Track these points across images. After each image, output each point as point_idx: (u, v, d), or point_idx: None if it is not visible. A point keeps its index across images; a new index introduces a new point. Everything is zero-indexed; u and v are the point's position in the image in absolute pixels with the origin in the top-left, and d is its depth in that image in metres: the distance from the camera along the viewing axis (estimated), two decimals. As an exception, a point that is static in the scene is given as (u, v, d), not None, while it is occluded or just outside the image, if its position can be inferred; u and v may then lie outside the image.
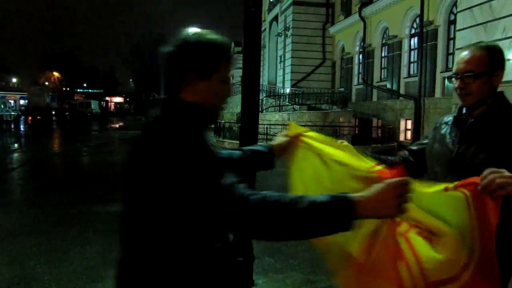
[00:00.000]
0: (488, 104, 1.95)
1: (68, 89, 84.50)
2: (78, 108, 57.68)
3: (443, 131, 2.11)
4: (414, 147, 2.33)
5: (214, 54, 1.54)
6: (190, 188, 1.35)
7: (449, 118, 2.14)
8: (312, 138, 1.96)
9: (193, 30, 1.57)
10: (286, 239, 1.42)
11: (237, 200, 1.34)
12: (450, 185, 1.54)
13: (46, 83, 75.67)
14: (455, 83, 1.99)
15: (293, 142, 2.00)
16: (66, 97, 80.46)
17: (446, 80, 18.43)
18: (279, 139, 2.07)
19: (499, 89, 2.01)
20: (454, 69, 2.00)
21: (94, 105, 60.21)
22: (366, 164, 1.73)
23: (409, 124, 20.09)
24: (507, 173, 1.48)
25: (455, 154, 1.97)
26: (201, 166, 1.38)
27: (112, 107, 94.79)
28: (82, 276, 4.66)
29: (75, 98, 79.14)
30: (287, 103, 25.58)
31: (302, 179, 1.91)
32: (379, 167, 1.66)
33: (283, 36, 32.12)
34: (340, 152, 1.82)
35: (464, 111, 2.06)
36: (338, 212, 1.30)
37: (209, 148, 1.49)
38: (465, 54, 1.97)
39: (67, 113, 55.19)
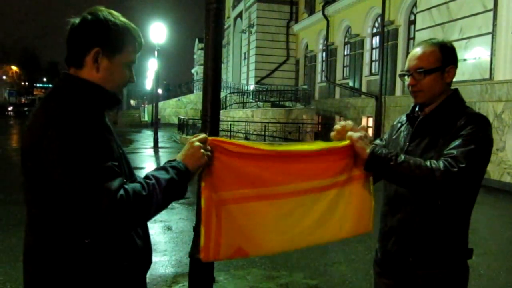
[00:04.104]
0: (441, 101, 1.93)
1: (27, 83, 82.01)
2: (37, 103, 56.11)
3: (398, 130, 2.11)
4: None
5: (124, 35, 1.55)
6: (70, 185, 1.35)
7: (404, 117, 2.13)
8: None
9: (104, 8, 1.56)
10: (151, 218, 1.52)
11: (107, 195, 1.34)
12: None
13: (4, 78, 73.18)
14: (407, 80, 1.97)
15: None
16: (25, 92, 78.07)
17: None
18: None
19: (456, 87, 1.99)
20: (406, 66, 1.99)
21: (54, 100, 58.66)
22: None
23: (371, 121, 20.45)
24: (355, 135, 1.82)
25: (405, 152, 1.95)
26: (80, 156, 1.35)
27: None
28: (39, 275, 4.55)
29: (35, 93, 76.91)
30: (251, 100, 25.67)
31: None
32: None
33: (247, 33, 32.14)
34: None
35: (417, 108, 2.04)
36: (185, 179, 1.55)
37: (97, 136, 1.43)
38: (416, 50, 1.95)
39: (26, 109, 53.57)
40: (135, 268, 1.58)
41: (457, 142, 1.76)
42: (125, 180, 1.43)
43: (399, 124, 2.15)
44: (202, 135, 1.66)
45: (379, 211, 2.10)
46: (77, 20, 1.52)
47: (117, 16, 1.55)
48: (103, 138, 1.45)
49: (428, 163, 1.71)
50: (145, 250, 1.63)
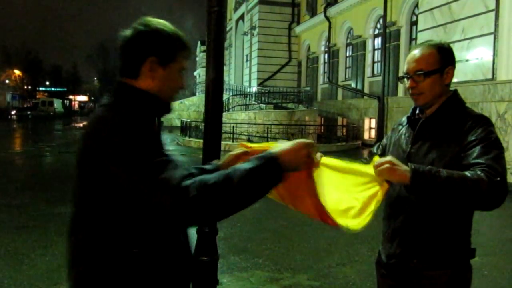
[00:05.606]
0: (441, 103, 1.94)
1: (30, 87, 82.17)
2: (40, 107, 56.34)
3: (399, 133, 2.11)
4: (377, 152, 2.28)
5: (176, 43, 1.58)
6: (130, 181, 1.34)
7: (404, 119, 2.13)
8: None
9: (155, 19, 1.59)
10: (234, 213, 1.41)
11: (180, 192, 1.31)
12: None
13: (7, 81, 73.34)
14: (406, 83, 1.97)
15: (242, 158, 1.85)
16: (28, 95, 78.27)
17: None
18: (227, 157, 1.91)
19: (455, 88, 2.00)
20: (404, 69, 1.98)
21: (57, 104, 58.93)
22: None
23: (373, 122, 20.45)
24: (387, 160, 1.65)
25: (407, 154, 1.96)
26: (147, 159, 1.36)
27: (76, 106, 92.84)
28: (43, 278, 4.56)
29: (38, 97, 77.07)
30: (254, 102, 25.65)
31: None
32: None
33: (249, 35, 32.19)
34: None
35: (417, 110, 2.04)
36: (270, 171, 1.42)
37: (154, 139, 1.47)
38: (415, 53, 1.95)
39: (29, 112, 53.77)
40: (179, 279, 1.59)
41: (477, 151, 1.74)
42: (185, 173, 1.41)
43: (400, 127, 2.15)
44: (311, 141, 1.58)
45: (381, 213, 2.11)
46: (128, 32, 1.55)
47: (167, 25, 1.58)
48: (158, 141, 1.49)
49: (468, 174, 1.66)
50: (188, 261, 1.64)
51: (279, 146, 1.52)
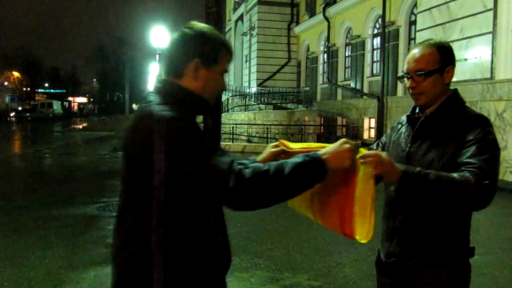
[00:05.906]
0: (441, 102, 1.93)
1: (29, 89, 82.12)
2: (39, 109, 56.38)
3: (398, 131, 2.11)
4: (376, 148, 2.27)
5: (219, 46, 1.67)
6: (187, 168, 1.42)
7: (404, 118, 2.12)
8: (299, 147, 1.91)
9: (200, 23, 1.71)
10: (278, 202, 1.51)
11: (234, 176, 1.40)
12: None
13: (6, 83, 73.29)
14: (406, 82, 1.96)
15: (281, 157, 1.90)
16: (27, 97, 78.26)
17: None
18: (265, 154, 1.97)
19: (455, 87, 2.00)
20: (404, 68, 1.97)
21: (56, 105, 59.01)
22: None
23: (373, 122, 20.43)
24: (383, 156, 1.66)
25: (407, 153, 1.96)
26: (198, 146, 1.45)
27: (76, 107, 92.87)
28: (43, 280, 4.56)
29: (37, 98, 77.05)
30: (253, 103, 25.66)
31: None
32: None
33: (248, 36, 32.18)
34: None
35: (417, 109, 2.04)
36: (316, 168, 1.53)
37: (203, 132, 1.57)
38: (415, 52, 1.94)
39: (28, 114, 53.78)
40: (217, 266, 1.66)
41: (472, 150, 1.75)
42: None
43: (399, 125, 2.14)
44: (356, 142, 1.68)
45: (380, 213, 2.11)
46: (175, 35, 1.67)
47: (211, 29, 1.69)
48: (203, 133, 1.59)
49: (456, 176, 1.69)
50: (226, 250, 1.71)
51: (324, 148, 1.62)
